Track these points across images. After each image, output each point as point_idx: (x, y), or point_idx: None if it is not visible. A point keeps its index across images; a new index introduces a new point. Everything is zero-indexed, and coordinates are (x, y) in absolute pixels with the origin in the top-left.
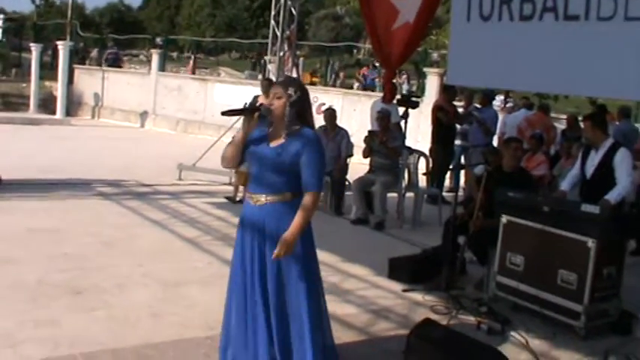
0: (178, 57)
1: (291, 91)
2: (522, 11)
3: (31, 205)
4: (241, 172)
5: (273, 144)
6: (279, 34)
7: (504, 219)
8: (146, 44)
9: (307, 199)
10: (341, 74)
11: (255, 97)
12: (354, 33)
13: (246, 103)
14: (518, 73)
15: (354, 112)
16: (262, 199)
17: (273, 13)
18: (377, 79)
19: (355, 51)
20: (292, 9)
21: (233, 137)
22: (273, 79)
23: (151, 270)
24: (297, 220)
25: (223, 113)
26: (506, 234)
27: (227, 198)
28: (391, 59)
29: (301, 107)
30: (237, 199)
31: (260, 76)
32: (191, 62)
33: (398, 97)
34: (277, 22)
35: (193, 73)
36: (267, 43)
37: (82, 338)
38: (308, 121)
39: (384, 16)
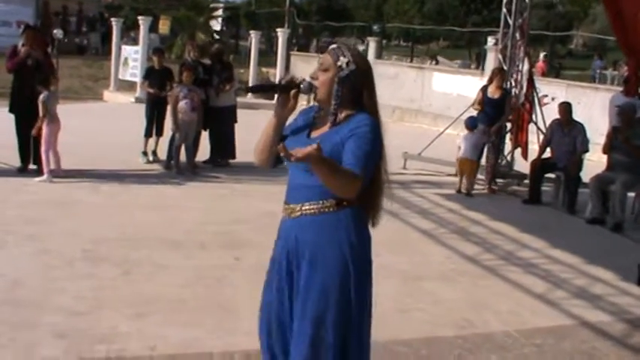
0: (387, 45)
1: (342, 62)
2: None
3: (264, 188)
4: (465, 160)
5: (315, 134)
6: (510, 22)
7: None
8: (354, 32)
9: (348, 169)
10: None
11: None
12: (566, 22)
13: (282, 79)
14: None
15: (578, 104)
16: (297, 209)
17: (505, 0)
18: (598, 71)
19: (576, 40)
20: None
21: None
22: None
23: (390, 261)
24: (333, 162)
25: (250, 89)
26: None
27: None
28: (637, 49)
29: (355, 85)
30: (464, 190)
31: (473, 66)
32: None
33: None
34: (509, 10)
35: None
36: (479, 32)
37: None
38: (367, 105)
39: (631, 3)
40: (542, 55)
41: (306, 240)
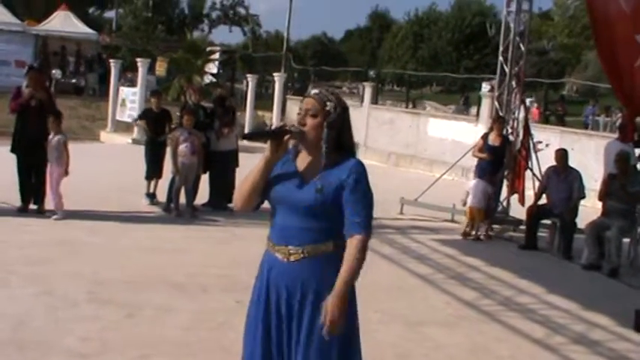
0: (380, 89)
1: (329, 106)
2: None
3: (263, 232)
4: (475, 209)
5: (308, 178)
6: (507, 70)
7: None
8: (349, 77)
9: (354, 244)
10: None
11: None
12: (558, 68)
13: (270, 126)
14: None
15: (572, 151)
16: (298, 252)
17: (501, 49)
18: (590, 117)
19: (569, 86)
20: (521, 45)
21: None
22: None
23: (390, 307)
24: (345, 274)
25: (245, 136)
26: None
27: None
28: (634, 98)
29: (341, 128)
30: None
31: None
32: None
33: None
34: (505, 58)
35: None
36: (471, 77)
37: None
38: (348, 145)
39: (626, 54)
40: (528, 100)
41: (311, 280)
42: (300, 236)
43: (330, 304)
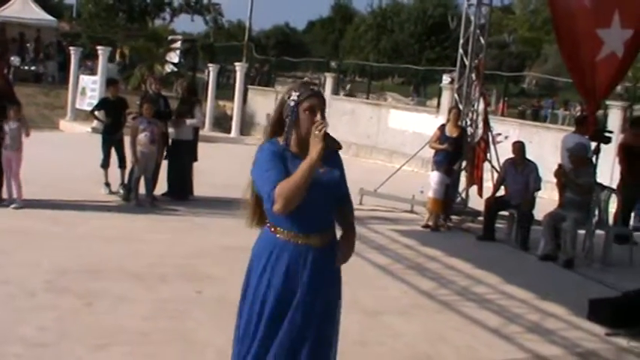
0: (342, 80)
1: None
2: None
3: (223, 222)
4: (436, 200)
5: (320, 171)
6: (467, 63)
7: None
8: (310, 67)
9: (350, 216)
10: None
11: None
12: (519, 61)
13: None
14: None
15: (530, 143)
16: (328, 237)
17: (461, 41)
18: (549, 111)
19: (529, 80)
20: (481, 38)
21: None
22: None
23: (348, 296)
24: (354, 239)
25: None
26: None
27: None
28: (595, 91)
29: None
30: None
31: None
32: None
33: None
34: (465, 51)
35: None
36: (432, 69)
37: None
38: None
39: (588, 48)
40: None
41: (332, 261)
42: (326, 223)
43: (349, 254)
